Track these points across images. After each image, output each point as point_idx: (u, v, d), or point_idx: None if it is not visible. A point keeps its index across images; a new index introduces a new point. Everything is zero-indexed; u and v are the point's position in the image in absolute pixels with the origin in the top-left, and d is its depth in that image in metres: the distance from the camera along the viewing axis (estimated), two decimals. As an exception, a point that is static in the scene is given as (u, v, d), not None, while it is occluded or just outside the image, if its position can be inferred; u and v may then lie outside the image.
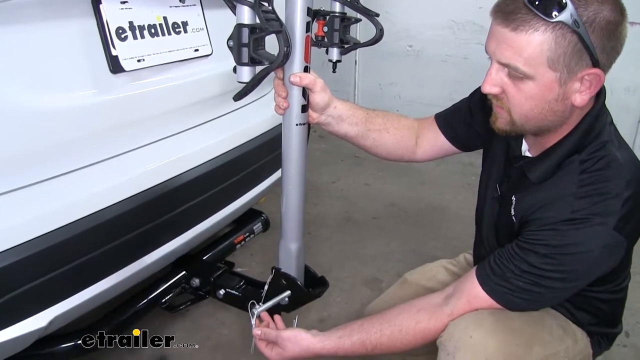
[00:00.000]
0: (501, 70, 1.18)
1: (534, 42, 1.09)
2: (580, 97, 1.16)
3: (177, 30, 1.63)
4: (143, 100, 1.58)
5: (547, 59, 1.10)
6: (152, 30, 1.55)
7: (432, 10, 4.64)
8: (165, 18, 1.59)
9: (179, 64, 1.66)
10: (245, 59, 1.11)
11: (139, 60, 1.50)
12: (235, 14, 1.11)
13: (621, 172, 1.20)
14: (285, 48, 1.10)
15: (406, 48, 4.87)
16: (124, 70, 1.47)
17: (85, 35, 1.40)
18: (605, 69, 1.14)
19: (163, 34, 1.58)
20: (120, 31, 1.46)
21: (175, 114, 1.72)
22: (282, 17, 1.17)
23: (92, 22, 1.41)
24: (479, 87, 1.53)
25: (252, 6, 1.08)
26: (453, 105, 1.65)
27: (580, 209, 1.18)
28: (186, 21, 1.67)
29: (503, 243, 1.34)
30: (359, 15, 1.48)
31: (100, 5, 1.41)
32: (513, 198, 1.36)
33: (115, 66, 1.45)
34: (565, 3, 1.04)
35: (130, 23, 1.48)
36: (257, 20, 1.10)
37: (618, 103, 3.99)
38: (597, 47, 1.09)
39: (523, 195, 1.33)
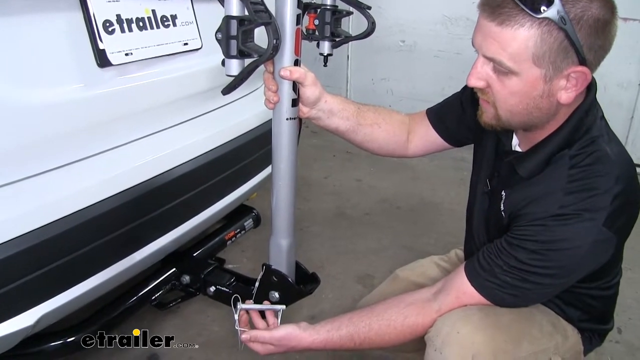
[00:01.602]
0: (486, 64, 1.17)
1: (519, 37, 1.08)
2: (566, 94, 1.15)
3: (166, 23, 1.61)
4: (131, 95, 1.56)
5: (532, 55, 1.09)
6: (140, 24, 1.53)
7: (424, 5, 4.64)
8: (153, 11, 1.57)
9: (167, 57, 1.64)
10: (234, 52, 1.09)
11: (126, 54, 1.48)
12: (223, 6, 1.09)
13: (611, 168, 1.19)
14: (275, 40, 1.08)
15: (399, 43, 4.86)
16: (112, 64, 1.44)
17: (72, 29, 1.38)
18: (593, 66, 1.13)
19: (152, 27, 1.56)
20: (108, 24, 1.43)
21: (164, 109, 1.70)
22: (272, 10, 1.15)
23: (79, 15, 1.39)
24: (469, 82, 1.53)
25: None
26: (444, 100, 1.64)
27: (569, 204, 1.18)
28: (175, 14, 1.65)
29: (493, 238, 1.33)
30: (350, 8, 1.46)
31: (87, -2, 1.39)
32: (503, 193, 1.36)
33: (102, 60, 1.43)
34: None
35: (118, 16, 1.46)
36: (246, 12, 1.08)
37: (611, 99, 4.00)
38: (584, 44, 1.07)
39: (513, 191, 1.33)
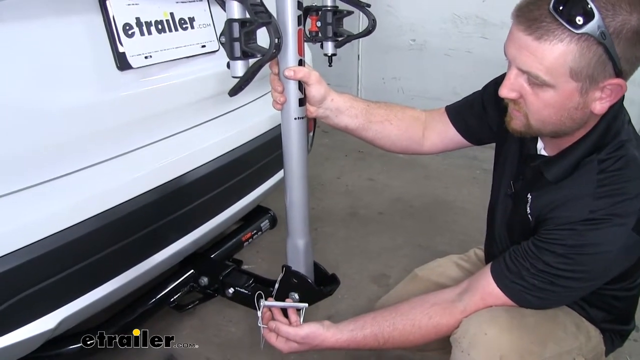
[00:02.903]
0: (520, 76, 1.16)
1: (557, 52, 1.06)
2: (600, 105, 1.14)
3: (184, 26, 1.62)
4: (150, 98, 1.57)
5: (570, 69, 1.07)
6: (159, 27, 1.53)
7: (434, 4, 4.63)
8: (172, 14, 1.58)
9: (186, 60, 1.64)
10: (238, 53, 1.12)
11: (146, 57, 1.49)
12: (225, 10, 1.11)
13: None
14: (276, 39, 1.11)
15: (409, 42, 4.86)
16: (132, 67, 1.45)
17: (92, 32, 1.39)
18: (627, 77, 1.12)
19: (170, 30, 1.57)
20: (127, 27, 1.44)
21: (183, 111, 1.71)
22: (274, 13, 1.17)
23: (99, 19, 1.40)
24: (491, 82, 1.52)
25: (240, 0, 1.09)
26: (464, 98, 1.63)
27: (598, 209, 1.17)
28: (193, 17, 1.65)
29: (517, 241, 1.33)
30: (351, 7, 1.48)
31: (107, 2, 1.40)
32: (529, 196, 1.35)
33: (122, 63, 1.43)
34: (593, 13, 1.01)
35: (137, 19, 1.47)
36: (247, 15, 1.10)
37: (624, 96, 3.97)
38: (622, 57, 1.06)
39: (539, 194, 1.32)
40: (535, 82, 1.13)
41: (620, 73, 1.08)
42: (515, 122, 1.24)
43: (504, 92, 1.19)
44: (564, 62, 1.06)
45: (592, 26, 1.01)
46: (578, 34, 1.03)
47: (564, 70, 1.07)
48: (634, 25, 1.04)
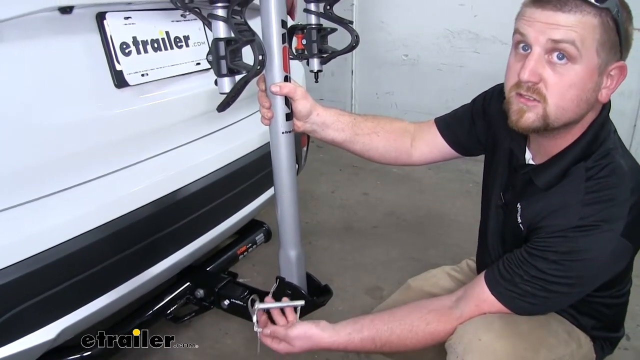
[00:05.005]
0: (542, 58, 1.15)
1: (587, 24, 1.10)
2: (606, 92, 1.19)
3: (179, 44, 1.65)
4: (147, 114, 1.60)
5: (598, 43, 1.11)
6: (155, 45, 1.57)
7: (427, 20, 4.68)
8: (167, 33, 1.62)
9: (181, 77, 1.68)
10: (224, 71, 1.17)
11: (142, 75, 1.52)
12: (211, 30, 1.17)
13: (626, 179, 1.21)
14: (260, 56, 1.15)
15: (402, 57, 4.90)
16: (129, 85, 1.49)
17: (90, 51, 1.43)
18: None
19: (165, 49, 1.61)
20: (125, 46, 1.48)
21: (178, 127, 1.74)
22: (259, 32, 1.22)
23: (97, 38, 1.44)
24: (480, 95, 1.54)
25: (225, 20, 1.14)
26: (454, 110, 1.65)
27: (588, 215, 1.19)
28: (188, 35, 1.69)
29: (509, 250, 1.34)
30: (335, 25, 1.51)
31: (105, 21, 1.44)
32: (518, 206, 1.37)
33: (119, 81, 1.47)
34: None
35: (134, 38, 1.51)
36: (232, 34, 1.15)
37: (613, 108, 3.91)
38: (624, 40, 1.12)
39: (529, 203, 1.34)
40: (558, 63, 1.14)
41: (621, 56, 1.14)
42: (529, 115, 1.21)
43: (527, 75, 1.16)
44: (594, 35, 1.10)
45: (611, 2, 1.08)
46: (601, 8, 1.08)
47: (593, 42, 1.11)
48: (625, 14, 1.12)
